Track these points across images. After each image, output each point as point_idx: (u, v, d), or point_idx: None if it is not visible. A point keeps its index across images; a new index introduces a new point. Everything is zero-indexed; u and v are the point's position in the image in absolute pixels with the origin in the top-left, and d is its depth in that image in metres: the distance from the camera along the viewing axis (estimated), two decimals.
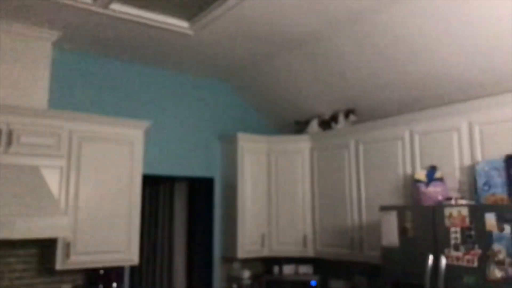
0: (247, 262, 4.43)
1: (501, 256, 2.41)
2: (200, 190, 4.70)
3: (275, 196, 4.39)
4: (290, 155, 4.44)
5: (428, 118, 3.37)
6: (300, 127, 4.63)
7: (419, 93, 3.59)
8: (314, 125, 4.41)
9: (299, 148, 4.43)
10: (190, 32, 3.52)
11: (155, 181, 5.19)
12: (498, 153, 2.85)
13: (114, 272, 3.59)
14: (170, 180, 5.00)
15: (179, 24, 3.43)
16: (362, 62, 3.63)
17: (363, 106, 4.07)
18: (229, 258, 4.36)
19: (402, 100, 3.75)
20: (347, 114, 4.14)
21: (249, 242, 4.23)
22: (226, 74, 4.52)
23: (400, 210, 2.96)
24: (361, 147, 3.89)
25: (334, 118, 4.25)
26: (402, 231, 2.91)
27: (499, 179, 2.79)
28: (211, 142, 4.57)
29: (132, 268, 4.26)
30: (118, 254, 3.50)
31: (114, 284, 3.55)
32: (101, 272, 3.54)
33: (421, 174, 3.18)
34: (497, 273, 2.41)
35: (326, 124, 4.33)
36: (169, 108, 4.36)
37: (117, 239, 3.51)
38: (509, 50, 2.89)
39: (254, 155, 4.40)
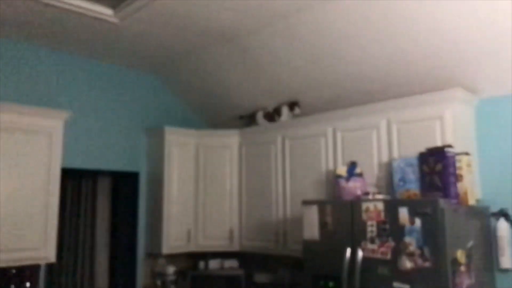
0: (172, 258, 4.36)
1: (412, 248, 2.54)
2: (124, 185, 4.55)
3: (202, 191, 4.36)
4: (218, 150, 4.42)
5: (350, 116, 3.49)
6: (245, 121, 4.53)
7: (344, 91, 3.70)
8: (260, 118, 4.32)
9: (228, 143, 4.42)
10: (115, 20, 3.39)
11: (77, 175, 4.96)
12: (413, 150, 2.99)
13: (28, 271, 3.39)
14: (93, 174, 4.80)
15: (102, 11, 3.29)
16: (291, 59, 3.68)
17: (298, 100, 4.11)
18: (154, 254, 4.27)
19: (329, 97, 3.84)
20: (291, 107, 4.08)
21: (175, 237, 4.17)
22: (155, 65, 4.41)
23: (321, 205, 3.04)
24: (287, 143, 3.96)
25: (277, 111, 4.17)
26: (323, 225, 3.00)
27: (413, 175, 2.93)
28: (137, 136, 4.44)
29: (50, 266, 4.05)
30: (32, 252, 3.31)
31: (28, 284, 3.35)
32: (13, 271, 3.33)
33: (342, 170, 3.28)
34: (408, 264, 2.54)
35: (271, 117, 4.24)
36: (93, 99, 4.19)
37: (32, 236, 3.31)
38: (426, 52, 3.05)
39: (181, 149, 4.33)
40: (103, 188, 4.83)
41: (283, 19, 3.32)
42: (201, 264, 4.28)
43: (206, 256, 4.32)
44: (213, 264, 4.26)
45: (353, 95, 3.66)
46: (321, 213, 3.02)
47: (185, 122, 4.74)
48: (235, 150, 4.41)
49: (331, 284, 2.87)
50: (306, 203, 3.16)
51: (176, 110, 4.81)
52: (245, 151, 4.35)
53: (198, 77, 4.43)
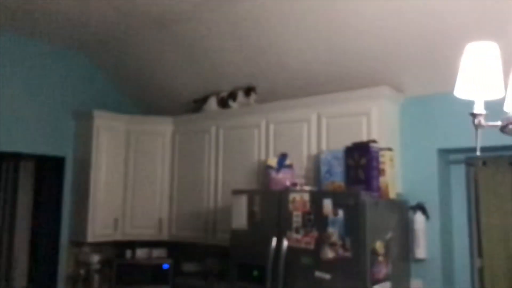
0: (97, 246, 4.22)
1: (334, 238, 2.62)
2: (49, 170, 4.34)
3: (132, 178, 4.24)
4: (150, 137, 4.32)
5: (283, 109, 3.53)
6: (198, 105, 4.24)
7: (278, 83, 3.73)
8: (212, 104, 4.08)
9: (161, 130, 4.33)
10: None
11: None
12: (341, 144, 3.07)
13: None
14: (15, 158, 4.52)
15: None
16: (225, 48, 3.65)
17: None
18: (78, 242, 4.12)
19: (263, 89, 3.86)
20: (247, 92, 3.83)
21: (101, 225, 4.04)
22: (87, 45, 4.21)
23: (250, 194, 3.06)
24: (221, 133, 3.94)
25: (233, 96, 3.93)
26: (251, 214, 3.02)
27: (339, 168, 3.02)
28: (64, 118, 4.23)
29: None
30: None
31: None
32: None
33: (272, 161, 3.32)
34: (330, 254, 2.62)
35: (224, 102, 3.98)
36: (18, 77, 3.93)
37: None
38: (356, 50, 3.14)
39: (111, 134, 4.18)
40: (26, 172, 4.58)
41: (218, 7, 3.28)
42: (128, 253, 4.18)
43: (133, 245, 4.22)
44: (141, 253, 4.18)
45: (289, 88, 3.70)
46: (250, 202, 3.04)
47: (118, 107, 4.57)
48: (168, 138, 4.33)
49: (255, 272, 2.91)
50: (236, 192, 3.17)
51: (108, 94, 4.63)
52: (178, 139, 4.28)
53: (133, 61, 4.29)
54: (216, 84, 4.11)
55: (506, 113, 1.39)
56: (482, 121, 1.43)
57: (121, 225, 4.15)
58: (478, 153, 1.47)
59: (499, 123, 1.38)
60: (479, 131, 1.44)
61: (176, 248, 4.32)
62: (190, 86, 4.29)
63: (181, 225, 4.10)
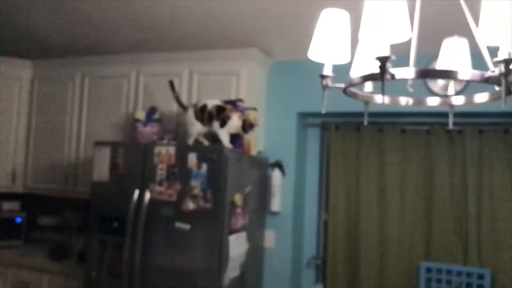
0: None
1: (196, 190, 2.71)
2: None
3: None
4: (6, 81, 3.92)
5: (155, 61, 3.46)
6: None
7: (148, 35, 3.61)
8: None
9: (18, 74, 3.95)
10: None
11: None
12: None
13: None
14: None
15: None
16: None
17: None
18: None
19: (136, 38, 3.71)
20: None
21: None
22: None
23: (114, 146, 2.99)
24: (87, 81, 3.74)
25: None
26: (113, 166, 2.96)
27: None
28: None
29: None
30: None
31: None
32: None
33: (140, 114, 3.26)
34: (191, 206, 2.71)
35: None
36: None
37: None
38: (228, 9, 3.17)
39: None
40: None
41: None
42: None
43: None
44: None
45: (162, 40, 3.61)
46: (113, 155, 2.97)
47: None
48: (26, 83, 3.97)
49: (116, 225, 2.88)
50: (98, 144, 3.06)
51: None
52: (38, 85, 3.96)
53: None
54: (84, 32, 3.84)
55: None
56: (329, 83, 1.58)
57: None
58: (323, 111, 1.64)
59: (342, 85, 1.54)
60: (326, 92, 1.60)
61: (31, 202, 4.07)
62: (56, 30, 3.94)
63: (38, 177, 3.85)
